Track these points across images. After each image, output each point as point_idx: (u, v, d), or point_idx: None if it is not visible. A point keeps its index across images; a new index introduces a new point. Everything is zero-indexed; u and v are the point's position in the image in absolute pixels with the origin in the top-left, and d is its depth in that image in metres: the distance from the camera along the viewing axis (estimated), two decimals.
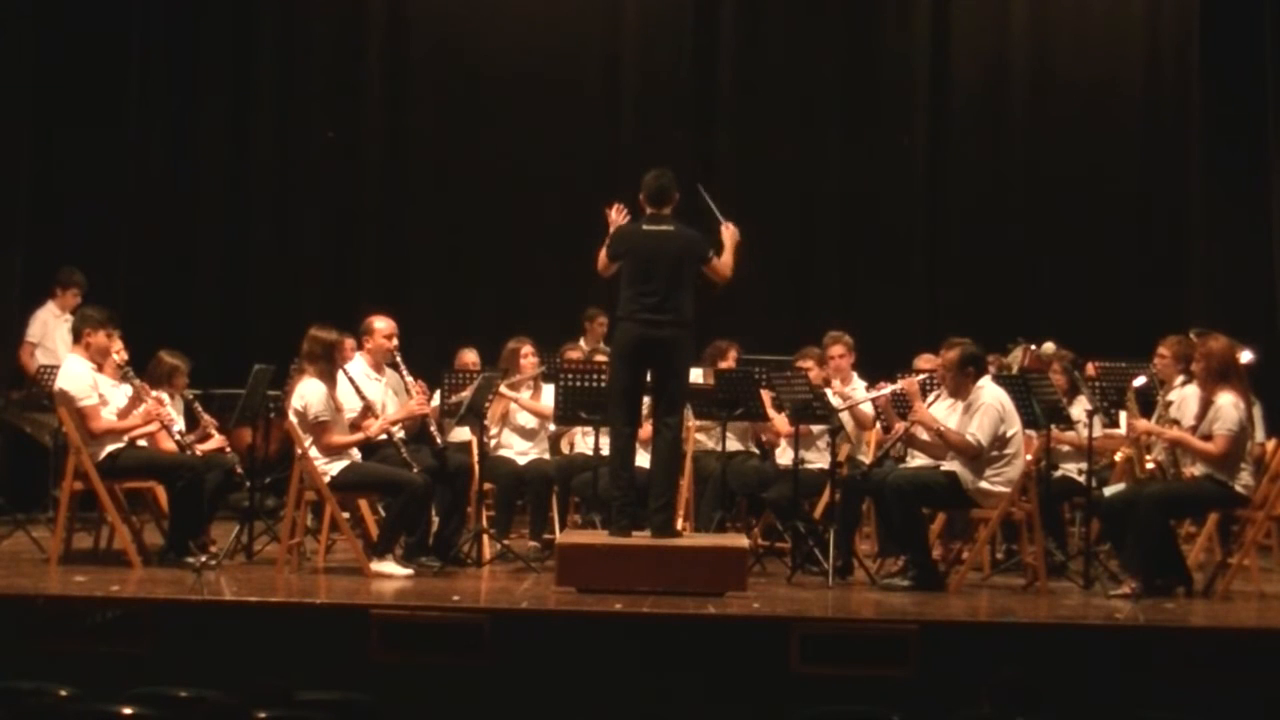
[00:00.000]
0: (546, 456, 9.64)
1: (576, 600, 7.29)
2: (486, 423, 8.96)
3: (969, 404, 8.11)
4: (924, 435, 8.28)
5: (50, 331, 10.43)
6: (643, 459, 8.30)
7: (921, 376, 8.92)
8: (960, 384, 8.19)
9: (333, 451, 8.08)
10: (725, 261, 8.12)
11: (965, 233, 12.53)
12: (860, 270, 12.54)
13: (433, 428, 8.66)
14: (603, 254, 8.07)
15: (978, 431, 7.96)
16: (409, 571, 7.97)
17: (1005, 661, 5.87)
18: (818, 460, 9.05)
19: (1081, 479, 8.70)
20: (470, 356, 10.02)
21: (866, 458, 9.21)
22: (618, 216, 8.14)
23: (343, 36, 12.68)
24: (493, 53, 12.51)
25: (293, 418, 8.10)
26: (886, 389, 8.84)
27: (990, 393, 8.08)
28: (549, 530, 9.22)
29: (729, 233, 8.23)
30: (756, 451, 9.68)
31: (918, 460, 8.57)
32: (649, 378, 7.95)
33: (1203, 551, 8.47)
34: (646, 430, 8.39)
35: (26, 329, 10.60)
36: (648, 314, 7.81)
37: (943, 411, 8.36)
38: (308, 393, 8.08)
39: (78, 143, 11.58)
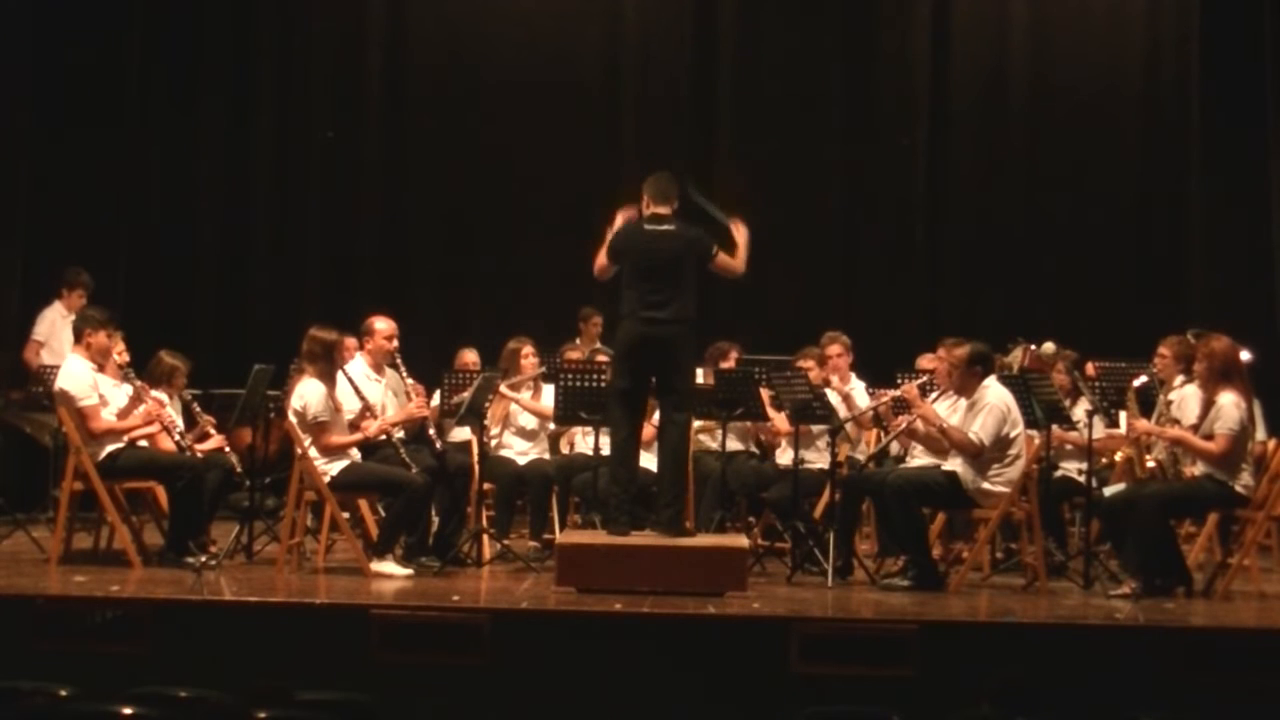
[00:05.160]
0: (546, 456, 9.64)
1: (576, 600, 7.29)
2: (487, 423, 8.96)
3: (973, 403, 8.10)
4: (925, 429, 8.28)
5: (57, 331, 10.44)
6: (645, 459, 8.32)
7: (921, 379, 8.92)
8: (966, 382, 8.18)
9: (331, 452, 8.08)
10: (739, 259, 8.14)
11: (965, 233, 12.53)
12: (860, 270, 12.55)
13: (431, 430, 8.65)
14: (602, 255, 8.08)
15: (980, 431, 7.96)
16: (409, 571, 7.97)
17: (1005, 661, 5.87)
18: (818, 460, 9.05)
19: (1081, 479, 8.70)
20: (470, 356, 10.02)
21: (866, 456, 9.22)
22: (626, 214, 8.13)
23: (343, 37, 12.68)
24: (493, 53, 12.51)
25: (292, 418, 8.11)
26: (887, 396, 8.85)
27: (995, 393, 8.08)
28: (549, 530, 9.22)
29: (740, 232, 8.23)
30: (756, 451, 9.68)
31: (918, 460, 8.57)
32: (651, 377, 7.95)
33: (1203, 551, 8.46)
34: (648, 431, 8.41)
35: (34, 327, 10.60)
36: (650, 313, 7.83)
37: (943, 411, 8.37)
38: (307, 393, 8.09)
39: (78, 143, 11.58)
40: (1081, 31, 12.46)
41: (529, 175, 12.37)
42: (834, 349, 9.53)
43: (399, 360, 8.72)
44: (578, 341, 10.84)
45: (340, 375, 8.30)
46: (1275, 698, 6.47)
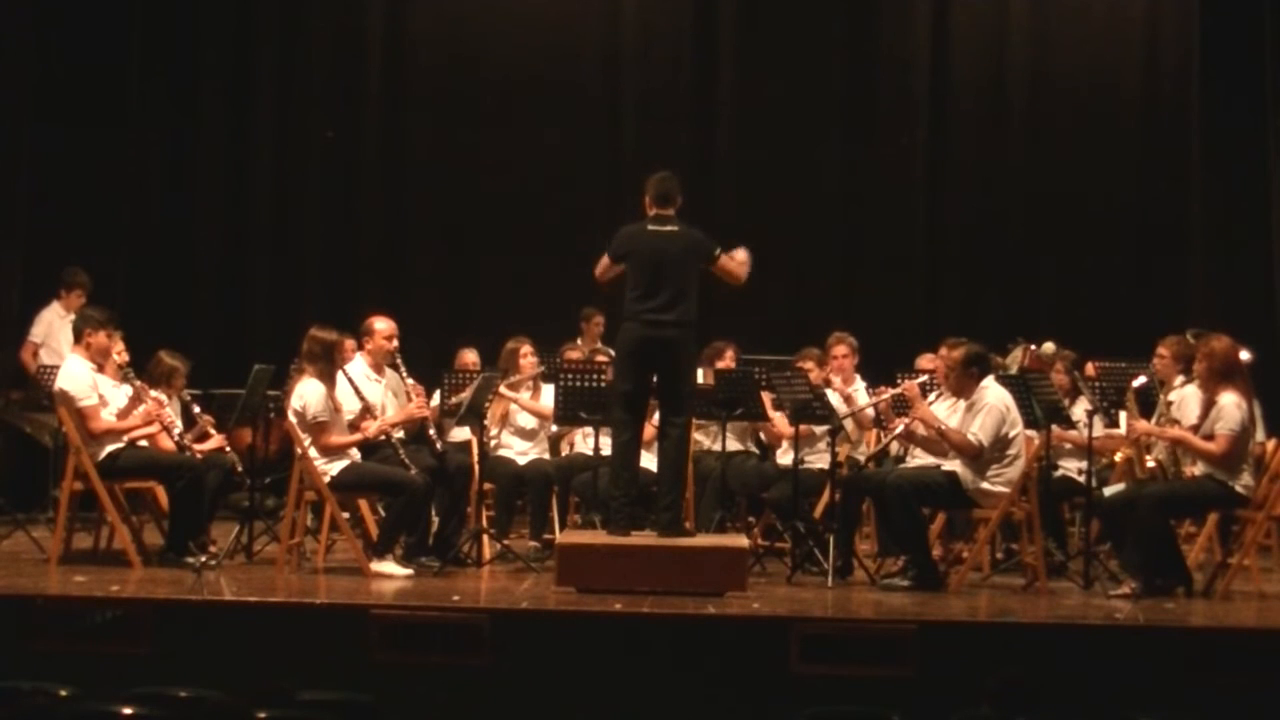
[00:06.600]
0: (546, 456, 9.64)
1: (576, 600, 7.29)
2: (486, 423, 8.96)
3: (971, 404, 8.10)
4: (924, 431, 8.29)
5: (55, 332, 10.42)
6: (645, 460, 8.32)
7: (922, 378, 8.92)
8: (964, 383, 8.18)
9: (330, 452, 8.08)
10: (741, 270, 8.11)
11: (965, 233, 12.53)
12: (860, 270, 12.54)
13: (431, 431, 8.64)
14: (604, 259, 8.07)
15: (979, 431, 7.95)
16: (409, 571, 7.98)
17: (1005, 661, 5.87)
18: (818, 460, 9.05)
19: (1081, 479, 8.70)
20: (470, 356, 10.02)
21: (866, 456, 9.22)
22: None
23: (343, 37, 12.68)
24: (493, 53, 12.51)
25: (292, 418, 8.10)
26: (887, 393, 8.85)
27: (994, 393, 8.08)
28: (549, 530, 9.22)
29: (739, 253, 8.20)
30: (756, 451, 9.68)
31: (918, 460, 8.57)
32: (653, 379, 7.95)
33: (1203, 551, 8.47)
34: (648, 431, 8.41)
35: (30, 328, 10.59)
36: (652, 315, 7.83)
37: (943, 411, 8.38)
38: (306, 393, 8.09)
39: (78, 143, 11.58)
40: (1081, 31, 12.46)
41: (529, 175, 12.36)
42: (840, 349, 9.52)
43: (399, 360, 8.72)
44: (579, 341, 10.84)
45: (340, 375, 8.30)
46: (1275, 698, 6.47)
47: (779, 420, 9.17)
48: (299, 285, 12.39)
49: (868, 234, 12.59)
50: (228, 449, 8.80)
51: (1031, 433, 8.41)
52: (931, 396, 8.63)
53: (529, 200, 12.35)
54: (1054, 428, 8.59)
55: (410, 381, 8.69)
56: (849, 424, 9.14)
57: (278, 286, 12.41)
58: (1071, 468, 8.97)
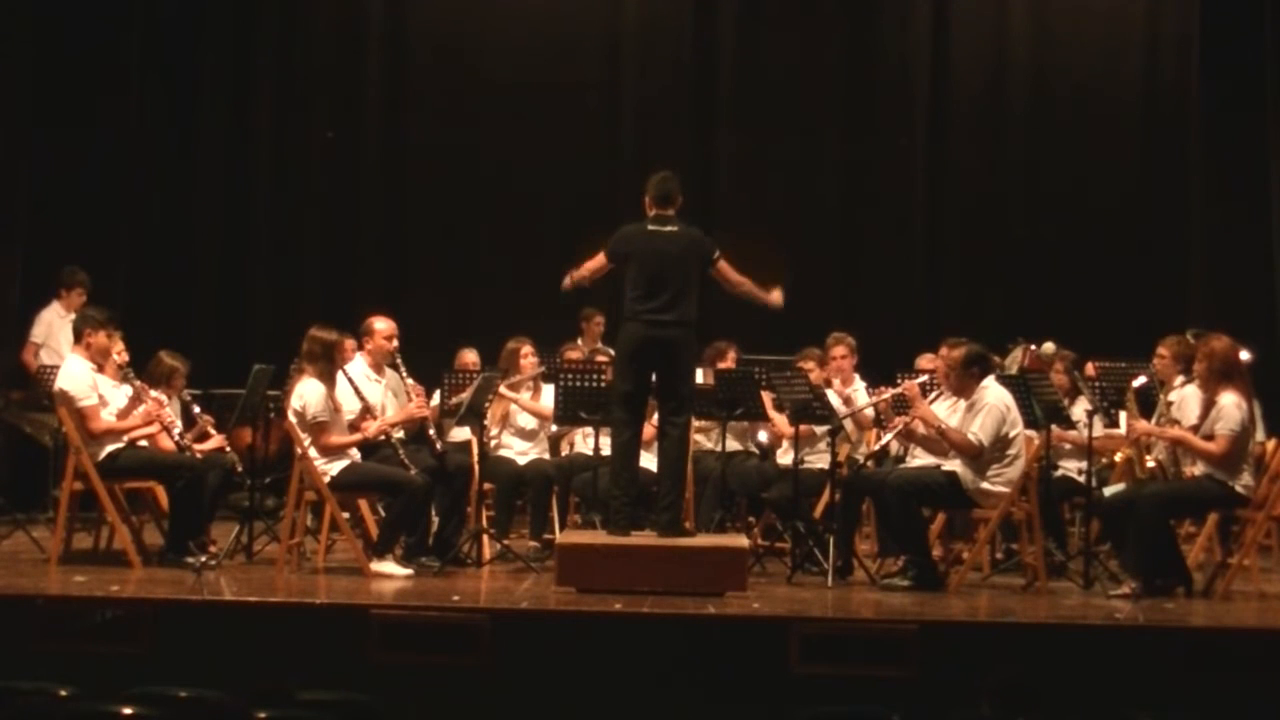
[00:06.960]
0: (546, 456, 9.64)
1: (576, 600, 7.29)
2: (486, 423, 8.96)
3: (972, 404, 8.10)
4: (924, 431, 8.29)
5: (55, 332, 10.41)
6: (645, 460, 8.32)
7: (922, 378, 8.92)
8: (964, 384, 8.18)
9: (330, 452, 8.08)
10: (753, 290, 8.15)
11: (965, 233, 12.53)
12: (860, 270, 12.54)
13: (431, 431, 8.65)
14: (599, 258, 8.07)
15: (980, 431, 7.95)
16: (409, 571, 7.98)
17: (1005, 661, 5.87)
18: (818, 460, 9.05)
19: (1081, 479, 8.70)
20: (470, 356, 10.03)
21: (866, 455, 9.22)
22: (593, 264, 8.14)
23: (343, 37, 12.69)
24: (492, 53, 12.52)
25: (292, 418, 8.10)
26: (888, 393, 8.85)
27: (994, 393, 8.08)
28: (549, 530, 9.22)
29: (775, 294, 8.23)
30: (756, 451, 9.68)
31: (918, 460, 8.57)
32: (653, 379, 7.96)
33: (1203, 551, 8.47)
34: (648, 431, 8.41)
35: (30, 329, 10.59)
36: (652, 314, 7.84)
37: (943, 411, 8.38)
38: (306, 393, 8.09)
39: (78, 143, 11.57)
40: (1081, 31, 12.47)
41: (529, 175, 12.37)
42: (839, 350, 9.51)
43: (399, 360, 8.72)
44: (579, 341, 10.84)
45: (340, 375, 8.31)
46: (1275, 698, 6.47)
47: (780, 421, 9.17)
48: (299, 285, 12.39)
49: (868, 234, 12.59)
50: (228, 449, 8.81)
51: (1031, 433, 8.40)
52: (931, 396, 8.63)
53: (529, 200, 12.36)
54: (1054, 428, 8.59)
55: (410, 381, 8.70)
56: (849, 424, 9.14)
57: (278, 286, 12.42)
58: (1071, 468, 8.97)
